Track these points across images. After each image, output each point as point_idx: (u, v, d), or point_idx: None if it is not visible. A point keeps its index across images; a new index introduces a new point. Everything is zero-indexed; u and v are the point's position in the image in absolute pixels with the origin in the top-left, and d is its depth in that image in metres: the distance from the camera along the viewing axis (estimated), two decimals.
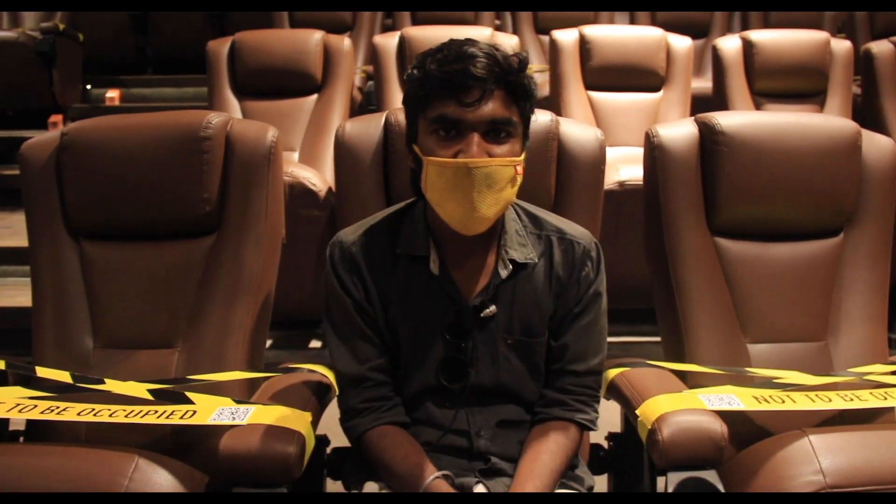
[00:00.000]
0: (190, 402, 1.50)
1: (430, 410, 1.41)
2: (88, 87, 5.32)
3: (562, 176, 1.74)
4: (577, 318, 1.42)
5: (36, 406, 1.47)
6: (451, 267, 1.39)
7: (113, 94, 5.23)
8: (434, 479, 1.29)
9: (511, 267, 1.38)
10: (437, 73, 1.26)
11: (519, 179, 1.32)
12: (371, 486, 1.41)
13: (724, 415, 1.43)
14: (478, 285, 1.39)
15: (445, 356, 1.39)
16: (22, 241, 1.91)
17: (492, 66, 1.25)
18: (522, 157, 1.32)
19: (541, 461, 1.34)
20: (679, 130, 1.79)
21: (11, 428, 1.68)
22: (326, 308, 1.43)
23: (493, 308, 1.38)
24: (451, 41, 1.30)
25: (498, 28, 4.84)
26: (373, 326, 1.40)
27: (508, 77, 1.27)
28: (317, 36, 3.62)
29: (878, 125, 3.50)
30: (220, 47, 3.66)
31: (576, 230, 1.46)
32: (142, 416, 1.43)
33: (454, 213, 1.30)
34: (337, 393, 1.60)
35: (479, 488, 1.35)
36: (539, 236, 1.43)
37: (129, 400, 1.51)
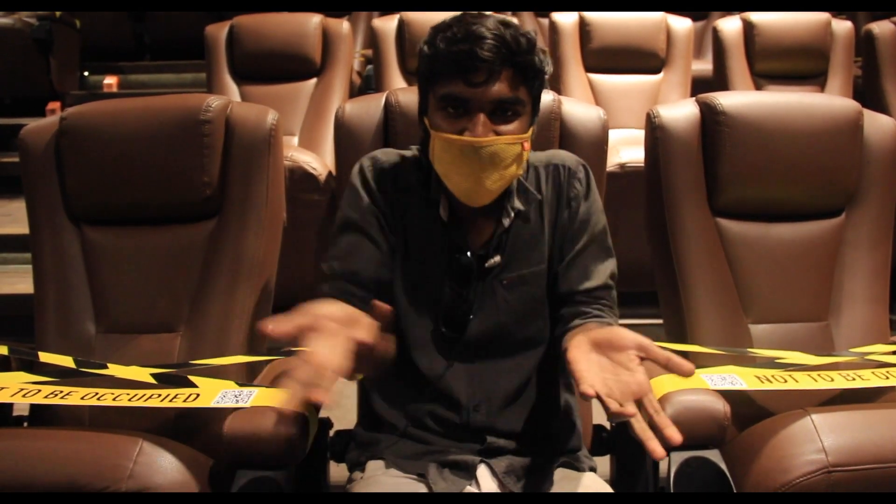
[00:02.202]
0: (193, 385, 1.50)
1: (427, 360, 1.39)
2: (86, 73, 5.30)
3: None
4: (575, 238, 1.41)
5: (39, 391, 1.47)
6: (459, 217, 1.40)
7: (111, 81, 5.22)
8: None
9: (513, 214, 1.39)
10: (445, 53, 1.27)
11: (526, 155, 1.34)
12: (373, 466, 1.41)
13: (726, 395, 1.43)
14: (483, 236, 1.40)
15: (447, 304, 1.38)
16: (22, 228, 1.91)
17: (499, 46, 1.25)
18: (529, 133, 1.33)
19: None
20: (680, 111, 1.78)
21: (15, 413, 1.68)
22: (342, 214, 1.42)
23: (497, 258, 1.39)
24: (463, 16, 1.30)
25: (498, 11, 4.81)
26: (381, 241, 1.40)
27: (516, 58, 1.27)
28: (315, 19, 3.61)
29: (879, 106, 3.49)
30: (219, 32, 3.65)
31: (562, 156, 1.46)
32: (145, 400, 1.43)
33: (460, 187, 1.32)
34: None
35: (482, 468, 1.35)
36: (533, 172, 1.43)
37: (132, 384, 1.51)
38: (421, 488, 1.31)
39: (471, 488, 1.32)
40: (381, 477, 1.35)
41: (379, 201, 1.41)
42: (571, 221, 1.41)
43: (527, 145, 1.32)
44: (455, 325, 1.39)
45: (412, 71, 3.70)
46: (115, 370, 1.56)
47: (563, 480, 1.35)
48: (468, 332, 1.39)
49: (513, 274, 1.40)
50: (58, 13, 4.82)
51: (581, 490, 1.33)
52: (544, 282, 1.42)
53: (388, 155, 1.45)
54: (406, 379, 1.40)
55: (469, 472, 1.34)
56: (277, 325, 1.09)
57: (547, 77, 1.34)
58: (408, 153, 1.46)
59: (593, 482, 1.37)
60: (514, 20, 1.33)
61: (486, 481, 1.33)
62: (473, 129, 1.27)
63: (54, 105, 4.79)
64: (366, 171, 1.43)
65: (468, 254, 1.39)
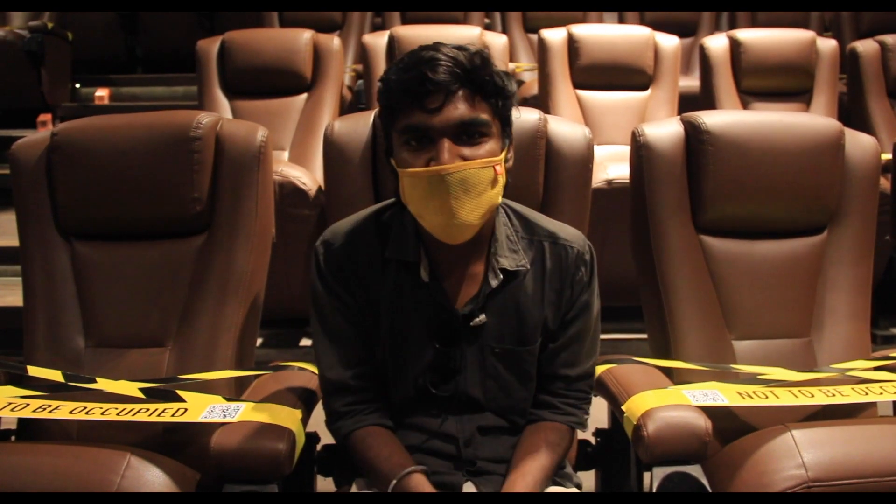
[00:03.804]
0: (181, 400, 1.51)
1: (416, 417, 1.39)
2: (77, 86, 5.30)
3: (550, 174, 1.76)
4: (570, 323, 1.40)
5: (28, 405, 1.48)
6: (441, 274, 1.35)
7: (102, 94, 5.22)
8: (409, 472, 1.28)
9: (502, 276, 1.35)
10: (397, 83, 1.23)
11: (501, 180, 1.27)
12: (361, 483, 1.42)
13: (708, 410, 1.44)
14: (468, 293, 1.36)
15: (433, 363, 1.36)
16: (11, 240, 1.92)
17: (451, 67, 1.20)
18: (502, 156, 1.27)
19: (532, 458, 1.34)
20: (665, 129, 1.81)
21: (3, 427, 1.68)
22: (312, 310, 1.40)
23: (482, 317, 1.35)
24: (416, 48, 1.26)
25: (487, 27, 4.86)
26: (357, 330, 1.37)
27: (471, 76, 1.22)
28: (306, 35, 3.63)
29: (863, 123, 3.54)
30: (210, 46, 3.66)
31: (569, 233, 1.41)
32: (133, 415, 1.44)
33: (435, 223, 1.26)
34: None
35: (468, 486, 1.36)
36: (531, 241, 1.39)
37: (120, 398, 1.52)
38: None
39: None
40: (366, 492, 1.37)
41: (343, 291, 1.36)
42: (571, 305, 1.39)
43: (500, 169, 1.25)
44: (442, 384, 1.36)
45: None
46: (103, 384, 1.57)
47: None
48: (456, 390, 1.37)
49: (506, 346, 1.37)
50: (50, 25, 4.82)
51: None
52: (534, 358, 1.41)
53: (340, 233, 1.38)
54: (398, 421, 1.41)
55: (454, 490, 1.35)
56: None
57: (513, 96, 1.29)
58: (367, 217, 1.40)
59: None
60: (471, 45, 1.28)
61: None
62: (439, 157, 1.21)
63: (45, 117, 4.79)
64: (321, 263, 1.37)
65: (455, 312, 1.35)
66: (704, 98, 3.81)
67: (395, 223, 1.38)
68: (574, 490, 1.42)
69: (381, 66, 3.78)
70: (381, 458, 1.33)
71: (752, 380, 1.61)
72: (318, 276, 1.37)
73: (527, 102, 3.60)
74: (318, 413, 1.58)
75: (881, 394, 1.55)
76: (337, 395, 1.39)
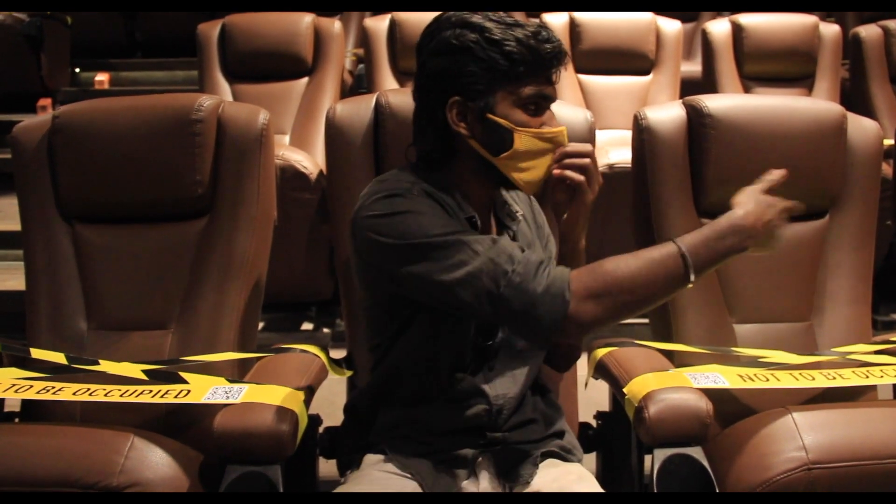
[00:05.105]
0: (184, 381, 1.51)
1: (458, 381, 1.37)
2: (77, 70, 5.30)
3: None
4: (548, 242, 1.52)
5: (31, 386, 1.49)
6: (479, 228, 1.38)
7: (102, 78, 5.22)
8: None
9: (521, 218, 1.46)
10: (537, 52, 1.30)
11: None
12: (369, 460, 1.41)
13: (709, 393, 1.45)
14: None
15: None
16: (12, 224, 1.93)
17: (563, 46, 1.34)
18: None
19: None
20: (667, 113, 1.80)
21: (6, 409, 1.69)
22: (421, 247, 1.26)
23: None
24: (503, 16, 1.33)
25: None
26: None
27: None
28: (307, 19, 3.62)
29: (865, 109, 3.53)
30: (211, 30, 3.66)
31: None
32: (137, 396, 1.45)
33: (536, 178, 1.35)
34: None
35: (479, 459, 1.36)
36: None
37: (123, 380, 1.53)
38: (414, 485, 1.33)
39: (467, 482, 1.35)
40: (374, 472, 1.36)
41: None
42: (542, 228, 1.53)
43: None
44: (488, 332, 1.37)
45: (404, 70, 3.71)
46: (106, 366, 1.58)
47: (551, 468, 1.38)
48: (498, 337, 1.38)
49: None
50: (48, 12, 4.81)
51: (566, 477, 1.36)
52: None
53: (400, 180, 1.35)
54: (431, 396, 1.38)
55: (466, 465, 1.36)
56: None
57: None
58: (405, 178, 1.36)
59: (579, 471, 1.39)
60: None
61: (482, 471, 1.36)
62: (551, 122, 1.34)
63: (45, 101, 4.79)
64: (412, 195, 1.30)
65: None
66: (706, 83, 3.80)
67: (436, 189, 1.35)
68: (576, 464, 1.42)
69: (382, 50, 3.77)
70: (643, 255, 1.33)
71: (753, 363, 1.61)
72: (412, 194, 1.30)
73: None
74: (321, 395, 1.59)
75: (881, 377, 1.56)
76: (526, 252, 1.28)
